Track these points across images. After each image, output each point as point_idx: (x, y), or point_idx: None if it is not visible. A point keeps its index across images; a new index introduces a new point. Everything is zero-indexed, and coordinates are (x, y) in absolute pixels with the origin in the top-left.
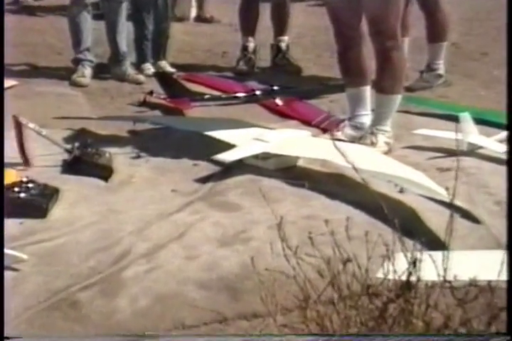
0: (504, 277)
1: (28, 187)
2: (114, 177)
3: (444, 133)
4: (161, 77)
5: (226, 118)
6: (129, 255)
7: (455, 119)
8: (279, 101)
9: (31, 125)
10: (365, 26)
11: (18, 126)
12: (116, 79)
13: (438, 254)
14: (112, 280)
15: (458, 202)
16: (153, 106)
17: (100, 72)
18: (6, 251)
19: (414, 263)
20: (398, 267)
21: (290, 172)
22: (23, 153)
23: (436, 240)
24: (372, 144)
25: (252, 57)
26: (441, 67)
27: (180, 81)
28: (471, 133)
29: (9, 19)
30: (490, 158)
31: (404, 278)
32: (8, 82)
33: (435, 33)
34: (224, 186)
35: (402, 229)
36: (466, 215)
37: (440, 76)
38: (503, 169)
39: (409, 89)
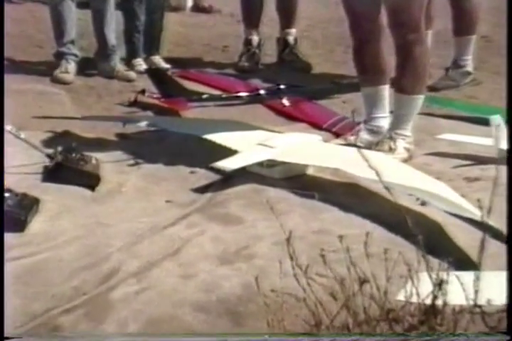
0: None
1: (3, 197)
2: (101, 186)
3: (471, 139)
4: (154, 73)
5: (227, 120)
6: (117, 274)
7: (484, 122)
8: (286, 102)
9: (8, 127)
10: (384, 17)
11: None
12: (103, 75)
13: (467, 275)
14: (99, 302)
15: (488, 219)
16: (145, 107)
17: (86, 67)
18: None
19: (440, 284)
20: (422, 289)
21: (298, 181)
22: None
23: (464, 259)
24: (391, 150)
25: (256, 52)
26: (469, 63)
27: (176, 78)
28: (503, 138)
29: None
30: None
31: (428, 301)
32: None
33: (462, 24)
34: (224, 197)
35: (425, 246)
36: (497, 234)
37: (468, 73)
38: None
39: (432, 89)
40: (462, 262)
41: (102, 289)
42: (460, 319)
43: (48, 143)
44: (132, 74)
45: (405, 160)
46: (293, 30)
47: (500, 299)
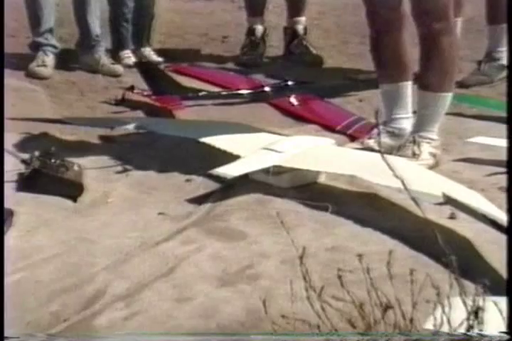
0: None
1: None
2: (84, 196)
3: (507, 142)
4: (145, 68)
5: (227, 121)
6: (103, 297)
7: None
8: (294, 101)
9: None
10: (406, 4)
11: None
12: (86, 69)
13: (506, 301)
14: (81, 329)
15: None
16: (134, 106)
17: (66, 60)
18: None
19: (475, 312)
20: (453, 317)
21: (309, 191)
22: None
23: (501, 282)
24: (415, 156)
25: (261, 44)
26: (504, 55)
27: (169, 73)
28: None
29: None
30: None
31: (461, 331)
32: None
33: (498, 11)
34: (225, 208)
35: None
36: None
37: (503, 67)
38: None
39: (462, 85)
40: (498, 286)
41: (86, 314)
42: None
43: (23, 146)
44: (119, 69)
45: (431, 167)
46: (302, 19)
47: None
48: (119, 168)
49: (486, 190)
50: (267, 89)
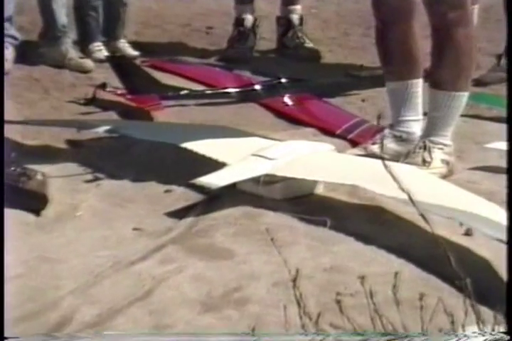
0: None
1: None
2: (48, 209)
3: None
4: (118, 63)
5: (212, 124)
6: (69, 324)
7: None
8: (288, 100)
9: None
10: None
11: None
12: (51, 64)
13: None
14: None
15: None
16: (107, 106)
17: (27, 53)
18: None
19: None
20: None
21: (304, 203)
22: None
23: None
24: (425, 164)
25: (250, 36)
26: None
27: (146, 69)
28: None
29: None
30: None
31: None
32: None
33: None
34: (209, 223)
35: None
36: None
37: None
38: None
39: (480, 83)
40: None
41: None
42: None
43: None
44: (89, 63)
45: (444, 177)
46: (298, 7)
47: None
48: (89, 177)
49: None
50: (257, 87)
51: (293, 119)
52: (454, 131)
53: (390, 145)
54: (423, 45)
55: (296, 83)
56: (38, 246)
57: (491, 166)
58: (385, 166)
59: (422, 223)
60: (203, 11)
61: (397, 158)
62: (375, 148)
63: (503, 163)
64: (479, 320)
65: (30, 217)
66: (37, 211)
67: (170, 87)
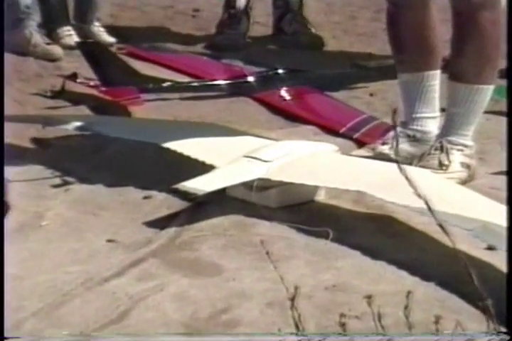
0: None
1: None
2: (9, 217)
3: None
4: (91, 50)
5: (198, 121)
6: None
7: None
8: (286, 94)
9: None
10: None
11: None
12: (13, 51)
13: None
14: None
15: None
16: (78, 99)
17: None
18: None
19: None
20: None
21: (304, 212)
22: None
23: None
24: (442, 167)
25: (243, 20)
26: None
27: (124, 58)
28: None
29: None
30: None
31: None
32: None
33: None
34: (194, 234)
35: (496, 312)
36: None
37: None
38: None
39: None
40: None
41: None
42: None
43: None
44: (57, 50)
45: (464, 182)
46: None
47: None
48: (57, 181)
49: None
50: (250, 79)
51: (291, 116)
52: (476, 130)
53: (402, 145)
54: (442, 30)
55: (294, 74)
56: None
57: None
58: (400, 169)
59: (438, 235)
60: None
61: (409, 160)
62: (385, 149)
63: None
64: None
65: None
66: None
67: (150, 78)
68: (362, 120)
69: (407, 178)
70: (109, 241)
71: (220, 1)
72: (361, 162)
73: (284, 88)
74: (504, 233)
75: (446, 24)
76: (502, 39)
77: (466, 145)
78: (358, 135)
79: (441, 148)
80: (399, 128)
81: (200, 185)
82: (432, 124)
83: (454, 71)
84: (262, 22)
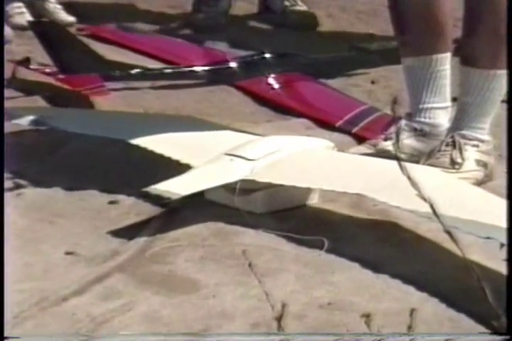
0: None
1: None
2: None
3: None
4: (46, 31)
5: (173, 114)
6: None
7: None
8: (274, 82)
9: None
10: None
11: None
12: None
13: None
14: None
15: None
16: (31, 88)
17: None
18: None
19: None
20: None
21: (294, 218)
22: None
23: None
24: (455, 166)
25: None
26: None
27: (85, 40)
28: None
29: None
30: None
31: None
32: None
33: None
34: (168, 245)
35: None
36: None
37: None
38: None
39: None
40: None
41: None
42: None
43: None
44: (6, 31)
45: (480, 183)
46: None
47: None
48: (7, 185)
49: None
50: (233, 64)
51: (280, 107)
52: (493, 123)
53: (408, 141)
54: (453, 7)
55: (284, 59)
56: None
57: None
58: (402, 168)
59: (450, 245)
60: None
61: (416, 158)
62: (388, 146)
63: None
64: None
65: None
66: None
67: (116, 63)
68: (362, 112)
69: (409, 178)
70: (68, 253)
71: None
72: (361, 160)
73: (272, 75)
74: None
75: (458, 0)
76: None
77: (481, 140)
78: (357, 129)
79: (453, 144)
80: (404, 121)
81: (174, 187)
82: (442, 116)
83: (466, 54)
84: None
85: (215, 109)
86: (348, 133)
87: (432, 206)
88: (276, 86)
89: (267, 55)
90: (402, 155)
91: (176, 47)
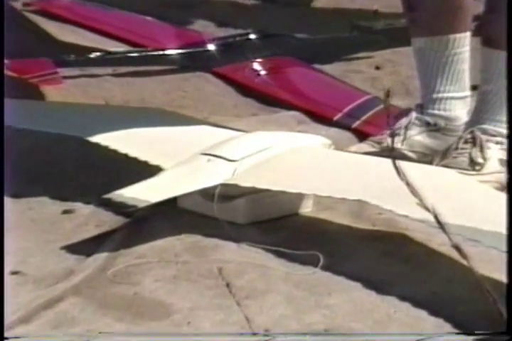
0: None
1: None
2: None
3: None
4: None
5: (140, 106)
6: None
7: None
8: (260, 68)
9: None
10: None
11: None
12: None
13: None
14: None
15: None
16: None
17: None
18: None
19: None
20: None
21: (284, 230)
22: None
23: None
24: (475, 166)
25: None
26: None
27: (32, 17)
28: None
29: None
30: None
31: None
32: None
33: None
34: (134, 261)
35: None
36: None
37: None
38: None
39: None
40: None
41: None
42: None
43: None
44: None
45: (503, 187)
46: None
47: None
48: None
49: None
50: (211, 46)
51: (267, 98)
52: None
53: (419, 137)
54: None
55: (272, 40)
56: None
57: None
58: (398, 171)
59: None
60: None
61: (429, 157)
62: (395, 143)
63: None
64: None
65: None
66: None
67: (71, 45)
68: (364, 103)
69: (406, 183)
70: (14, 273)
71: None
72: (363, 161)
73: (258, 59)
74: None
75: None
76: None
77: (506, 136)
78: (359, 123)
79: (473, 141)
80: (414, 114)
81: (141, 194)
82: (459, 107)
83: (489, 33)
84: None
85: (190, 99)
86: (348, 128)
87: (434, 214)
88: (262, 72)
89: (252, 36)
90: (411, 155)
91: (143, 25)
